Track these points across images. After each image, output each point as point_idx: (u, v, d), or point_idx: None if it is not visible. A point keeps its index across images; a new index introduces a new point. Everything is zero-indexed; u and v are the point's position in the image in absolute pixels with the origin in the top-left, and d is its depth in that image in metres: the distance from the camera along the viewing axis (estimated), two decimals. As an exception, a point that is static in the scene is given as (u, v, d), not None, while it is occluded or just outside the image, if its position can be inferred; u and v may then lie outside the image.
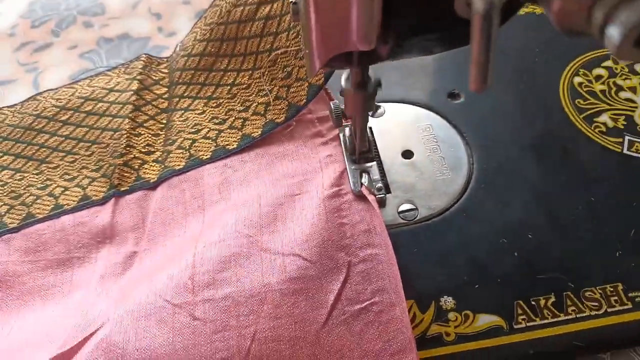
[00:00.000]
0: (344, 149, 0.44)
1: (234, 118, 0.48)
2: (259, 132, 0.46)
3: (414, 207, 0.42)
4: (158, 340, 0.34)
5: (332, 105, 0.42)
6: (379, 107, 0.49)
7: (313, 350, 0.33)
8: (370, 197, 0.40)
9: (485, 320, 0.36)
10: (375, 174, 0.42)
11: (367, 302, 0.35)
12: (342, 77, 0.36)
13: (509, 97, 0.48)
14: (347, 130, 0.44)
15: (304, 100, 0.46)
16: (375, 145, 0.45)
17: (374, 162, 0.43)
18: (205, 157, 0.46)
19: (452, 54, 0.52)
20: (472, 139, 0.45)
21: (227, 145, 0.46)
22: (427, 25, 0.27)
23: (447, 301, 0.37)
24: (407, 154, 0.45)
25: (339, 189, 0.41)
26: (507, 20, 0.24)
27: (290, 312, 0.34)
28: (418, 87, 0.50)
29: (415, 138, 0.46)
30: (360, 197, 0.40)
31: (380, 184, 0.42)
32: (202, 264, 0.37)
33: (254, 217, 0.39)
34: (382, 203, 0.42)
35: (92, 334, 0.34)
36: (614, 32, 0.18)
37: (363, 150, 0.43)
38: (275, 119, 0.46)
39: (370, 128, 0.46)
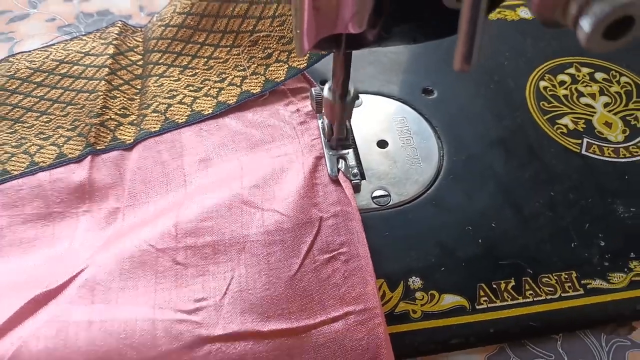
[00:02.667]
0: (322, 136, 0.46)
1: (209, 87, 0.49)
2: (234, 100, 0.48)
3: (387, 193, 0.44)
4: (141, 281, 0.35)
5: (313, 92, 0.43)
6: (357, 97, 0.50)
7: (285, 294, 0.35)
8: (346, 182, 0.42)
9: (450, 300, 0.38)
10: (352, 161, 0.44)
11: (336, 252, 0.37)
12: (325, 87, 0.38)
13: (479, 96, 0.51)
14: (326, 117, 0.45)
15: (282, 78, 0.48)
16: (352, 134, 0.47)
17: (351, 149, 0.45)
18: (180, 121, 0.46)
19: (427, 53, 0.55)
20: (443, 133, 0.48)
21: (203, 110, 0.47)
22: (415, 13, 0.28)
23: (415, 281, 0.39)
24: (382, 144, 0.47)
25: (317, 154, 0.43)
26: (495, 8, 0.26)
27: (266, 260, 0.36)
28: (394, 82, 0.52)
29: (390, 129, 0.48)
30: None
31: (356, 170, 0.43)
32: (186, 214, 0.38)
33: (236, 175, 0.41)
34: (357, 188, 0.43)
35: (76, 275, 0.35)
36: (585, 23, 0.20)
37: (340, 138, 0.45)
38: (251, 90, 0.48)
39: (348, 117, 0.48)
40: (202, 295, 0.35)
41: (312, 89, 0.43)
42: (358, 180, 0.43)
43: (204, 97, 0.48)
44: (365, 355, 0.33)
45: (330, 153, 0.44)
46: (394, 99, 0.51)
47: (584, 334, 0.38)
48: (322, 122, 0.46)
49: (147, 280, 0.35)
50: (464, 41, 0.22)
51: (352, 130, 0.47)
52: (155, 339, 0.32)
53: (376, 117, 0.49)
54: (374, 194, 0.44)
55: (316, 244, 0.38)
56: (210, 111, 0.47)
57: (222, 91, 0.48)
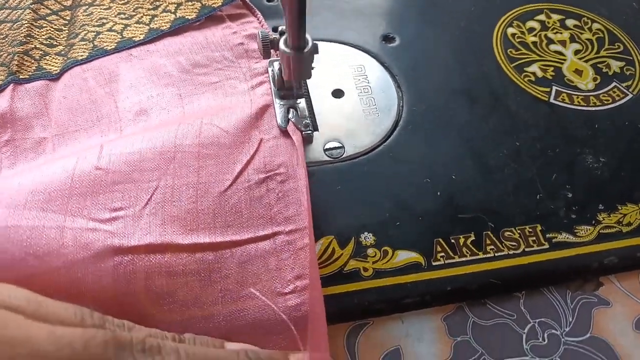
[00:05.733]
0: (272, 84, 0.42)
1: (142, 14, 0.47)
2: (168, 27, 0.45)
3: (341, 145, 0.40)
4: (55, 185, 0.32)
5: (260, 34, 0.39)
6: (316, 50, 0.47)
7: (212, 209, 0.33)
8: (297, 133, 0.38)
9: (404, 256, 0.35)
10: (304, 111, 0.40)
11: (272, 172, 0.36)
12: (280, 41, 0.35)
13: (443, 43, 0.47)
14: (276, 64, 0.42)
15: (219, 3, 0.46)
16: (305, 82, 0.43)
17: (303, 99, 0.41)
18: (109, 48, 0.44)
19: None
20: (404, 82, 0.44)
21: (134, 37, 0.45)
22: None
23: (367, 237, 0.36)
24: (337, 93, 0.43)
25: (263, 79, 0.42)
26: None
27: (196, 173, 0.34)
28: (353, 29, 0.48)
29: (347, 78, 0.44)
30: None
31: (307, 121, 0.40)
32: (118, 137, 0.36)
33: (174, 100, 0.40)
34: (308, 140, 0.40)
35: None
36: None
37: (292, 86, 0.41)
38: (186, 16, 0.46)
39: (301, 65, 0.44)
40: (121, 204, 0.32)
41: (259, 30, 0.39)
42: (310, 131, 0.40)
43: (135, 25, 0.46)
44: (290, 274, 0.32)
45: (281, 102, 0.40)
46: (352, 46, 0.47)
47: (548, 291, 0.36)
48: (272, 70, 0.42)
49: (61, 183, 0.32)
50: None
51: (305, 78, 0.44)
52: (61, 248, 0.29)
53: (332, 65, 0.45)
54: (327, 146, 0.40)
55: (252, 164, 0.36)
56: (141, 37, 0.45)
57: (155, 18, 0.46)
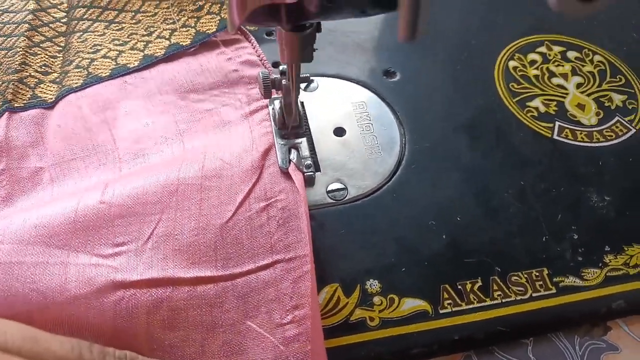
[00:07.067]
0: (272, 124, 0.41)
1: (136, 41, 0.47)
2: (162, 53, 0.46)
3: (344, 186, 0.40)
4: (58, 219, 0.32)
5: (261, 75, 0.39)
6: (312, 81, 0.46)
7: (214, 241, 0.33)
8: (298, 175, 0.38)
9: (411, 304, 0.35)
10: (305, 151, 0.40)
11: (273, 199, 0.36)
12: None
13: (445, 78, 0.47)
14: (276, 103, 0.41)
15: (214, 30, 0.46)
16: (307, 121, 0.43)
17: (304, 138, 0.40)
18: (104, 75, 0.44)
19: (389, 32, 0.51)
20: (405, 118, 0.44)
21: (128, 63, 0.45)
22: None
23: (373, 284, 0.35)
24: (339, 131, 0.43)
25: (260, 105, 0.42)
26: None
27: (198, 205, 0.34)
28: (353, 64, 0.48)
29: (348, 115, 0.44)
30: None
31: (309, 161, 0.39)
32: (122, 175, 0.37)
33: (170, 128, 0.40)
34: (310, 181, 0.39)
35: None
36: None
37: (293, 125, 0.40)
38: (181, 42, 0.46)
39: (302, 102, 0.44)
40: (123, 239, 0.32)
41: (260, 71, 0.39)
42: (312, 173, 0.39)
43: (130, 51, 0.46)
44: (288, 304, 0.32)
45: (282, 142, 0.40)
46: (352, 81, 0.47)
47: (556, 337, 0.35)
48: (273, 108, 0.42)
49: (64, 217, 0.32)
50: (408, 10, 0.18)
51: (306, 117, 0.43)
52: (65, 284, 0.30)
53: (333, 102, 0.45)
54: (329, 188, 0.40)
55: (254, 192, 0.36)
56: (136, 64, 0.45)
57: (150, 44, 0.47)
